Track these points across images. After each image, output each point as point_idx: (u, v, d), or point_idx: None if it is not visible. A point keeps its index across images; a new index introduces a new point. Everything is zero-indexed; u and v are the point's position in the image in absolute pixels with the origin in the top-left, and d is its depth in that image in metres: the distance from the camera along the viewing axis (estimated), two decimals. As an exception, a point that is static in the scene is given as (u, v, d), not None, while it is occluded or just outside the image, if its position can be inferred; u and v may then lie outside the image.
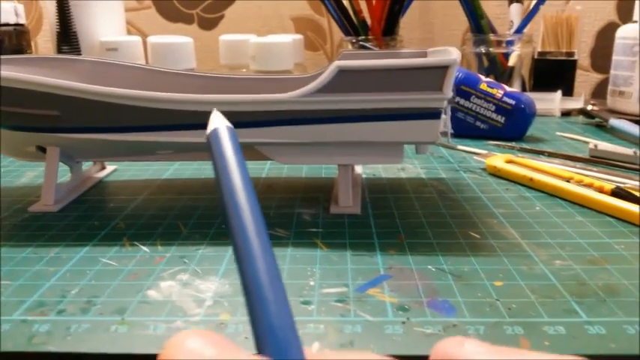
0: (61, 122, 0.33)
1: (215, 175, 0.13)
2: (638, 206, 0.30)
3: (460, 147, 0.46)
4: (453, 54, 0.31)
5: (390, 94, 0.29)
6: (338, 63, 0.29)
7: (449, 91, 0.29)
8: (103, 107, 0.31)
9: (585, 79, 0.79)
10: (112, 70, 0.41)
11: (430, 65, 0.29)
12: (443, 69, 0.29)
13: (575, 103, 0.59)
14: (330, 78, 0.29)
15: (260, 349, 0.10)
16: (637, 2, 0.60)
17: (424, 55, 0.38)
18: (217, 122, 0.14)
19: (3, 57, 0.38)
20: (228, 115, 0.31)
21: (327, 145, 0.32)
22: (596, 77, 0.79)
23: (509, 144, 0.47)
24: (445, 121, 0.33)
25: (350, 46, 0.68)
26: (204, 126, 0.32)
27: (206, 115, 0.31)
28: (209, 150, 0.13)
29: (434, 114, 0.30)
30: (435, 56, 0.36)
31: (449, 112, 0.33)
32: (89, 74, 0.41)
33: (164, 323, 0.22)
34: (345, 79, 0.29)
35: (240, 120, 0.31)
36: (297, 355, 0.10)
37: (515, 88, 0.63)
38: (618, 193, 0.32)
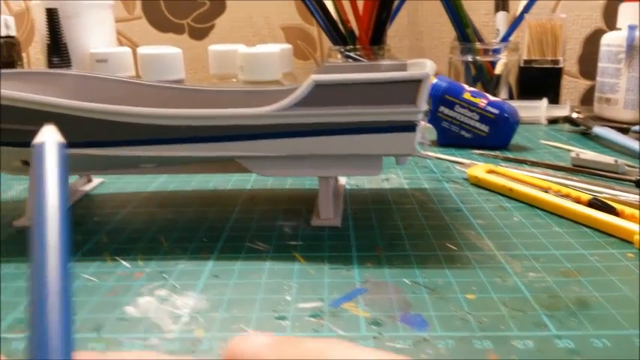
0: (43, 138, 0.33)
1: (33, 189, 0.13)
2: (613, 216, 0.31)
3: (440, 156, 0.47)
4: (427, 67, 0.31)
5: (365, 107, 0.30)
6: (314, 77, 0.30)
7: (423, 104, 0.30)
8: (87, 122, 0.32)
9: (574, 86, 0.80)
10: (98, 83, 0.41)
11: (404, 79, 0.29)
12: (416, 82, 0.29)
13: (561, 111, 0.60)
14: (306, 92, 0.30)
15: (29, 356, 0.11)
16: (620, 9, 0.61)
17: (404, 67, 0.39)
18: (46, 135, 0.13)
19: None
20: (207, 129, 0.31)
21: (307, 157, 0.32)
22: (585, 84, 0.79)
23: (494, 153, 0.48)
24: (422, 132, 0.33)
25: (339, 56, 0.68)
26: (186, 140, 0.32)
27: (187, 129, 0.32)
28: (32, 163, 0.13)
29: (409, 127, 0.30)
30: (414, 69, 0.37)
31: (425, 123, 0.33)
32: (75, 88, 0.41)
33: (140, 340, 0.22)
34: (321, 93, 0.30)
35: (219, 134, 0.31)
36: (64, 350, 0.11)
37: (502, 96, 0.64)
38: (595, 203, 0.32)
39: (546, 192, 0.35)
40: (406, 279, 0.26)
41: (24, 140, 0.35)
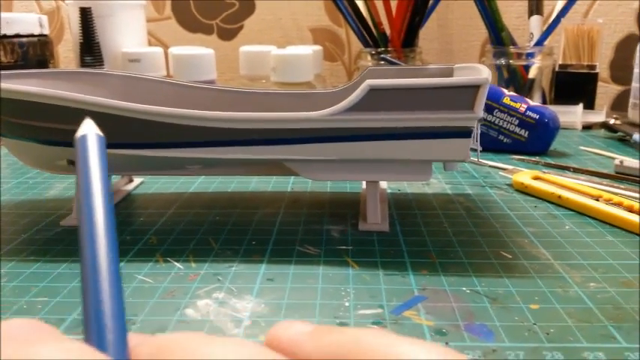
0: (94, 138, 0.33)
1: (77, 181, 0.13)
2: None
3: (488, 163, 0.46)
4: (484, 72, 0.31)
5: (421, 112, 0.30)
6: (369, 82, 0.29)
7: (480, 111, 0.30)
8: (134, 123, 0.32)
9: (605, 91, 0.79)
10: (140, 84, 0.42)
11: (462, 84, 0.29)
12: (474, 88, 0.29)
13: (597, 117, 0.59)
14: (361, 97, 0.30)
15: (85, 337, 0.11)
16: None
17: (450, 71, 0.38)
18: (87, 129, 0.14)
19: (33, 71, 0.39)
20: (259, 131, 0.31)
21: (357, 162, 0.32)
22: (616, 89, 0.78)
23: (533, 158, 0.47)
24: (475, 138, 0.33)
25: (369, 58, 0.68)
26: (233, 142, 0.32)
27: (236, 131, 0.32)
28: (75, 156, 0.13)
29: (464, 133, 0.30)
30: (463, 73, 0.36)
31: (479, 130, 0.33)
32: (117, 88, 0.41)
33: (204, 344, 0.22)
34: (375, 98, 0.30)
35: (271, 137, 0.31)
36: (119, 343, 0.11)
37: (535, 101, 0.63)
38: (649, 212, 0.32)
39: (597, 200, 0.34)
40: (465, 287, 0.26)
41: (69, 140, 0.36)
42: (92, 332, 0.11)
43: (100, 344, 0.11)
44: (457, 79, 0.29)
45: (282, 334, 0.12)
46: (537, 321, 0.23)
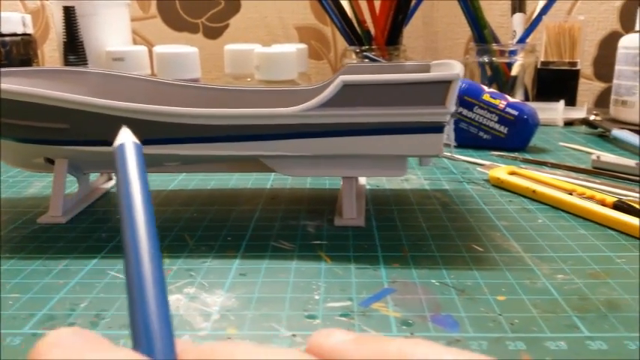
0: (69, 135, 0.33)
1: (117, 188, 0.13)
2: (639, 219, 0.30)
3: (462, 158, 0.47)
4: (456, 68, 0.31)
5: (393, 108, 0.30)
6: (343, 78, 0.30)
7: (452, 106, 0.30)
8: (112, 120, 0.32)
9: (588, 88, 0.79)
10: (120, 82, 0.42)
11: (433, 80, 0.29)
12: (446, 84, 0.29)
13: (578, 113, 0.59)
14: (334, 92, 0.30)
15: (134, 345, 0.11)
16: (639, 12, 0.60)
17: (427, 68, 0.39)
18: (125, 138, 0.14)
19: (12, 69, 0.39)
20: (234, 128, 0.31)
21: (332, 157, 0.32)
22: (599, 86, 0.79)
23: (512, 154, 0.48)
24: (448, 134, 0.33)
25: (354, 56, 0.68)
26: (212, 139, 0.32)
27: (213, 128, 0.32)
28: (114, 165, 0.14)
29: (437, 128, 0.30)
30: (438, 70, 0.37)
31: (452, 125, 0.33)
32: (97, 86, 0.41)
33: (172, 337, 0.22)
34: (349, 94, 0.30)
35: (246, 133, 0.31)
36: (167, 350, 0.11)
37: (517, 98, 0.64)
38: (620, 206, 0.32)
39: (570, 194, 0.34)
40: (434, 280, 0.26)
41: (50, 138, 0.36)
42: (141, 340, 0.11)
43: (149, 351, 0.11)
44: (428, 74, 0.29)
45: (323, 341, 0.12)
46: (503, 312, 0.23)
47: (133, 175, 0.13)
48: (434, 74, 0.29)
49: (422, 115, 0.30)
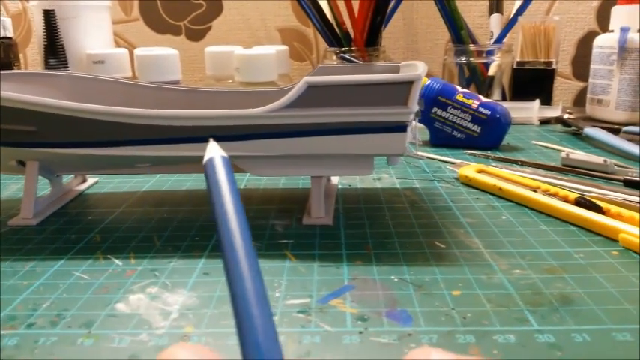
0: (38, 137, 0.33)
1: (210, 201, 0.14)
2: (598, 215, 0.31)
3: (425, 155, 0.47)
4: (419, 69, 0.32)
5: (357, 108, 0.30)
6: (307, 79, 0.30)
7: (414, 106, 0.30)
8: (81, 123, 0.32)
9: (567, 87, 0.80)
10: (93, 84, 0.42)
11: (395, 80, 0.30)
12: (408, 84, 0.30)
13: (553, 112, 0.60)
14: (299, 93, 0.30)
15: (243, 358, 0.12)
16: (613, 12, 0.61)
17: (397, 69, 0.39)
18: (213, 152, 0.15)
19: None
20: (202, 129, 0.32)
21: (300, 157, 0.33)
22: (578, 85, 0.80)
23: (485, 153, 0.48)
24: (413, 132, 0.34)
25: (334, 57, 0.69)
26: (180, 140, 0.33)
27: (181, 129, 0.32)
28: (206, 177, 0.15)
29: (400, 127, 0.31)
30: (407, 70, 0.37)
31: (416, 124, 0.34)
32: (70, 89, 0.42)
33: (129, 336, 0.22)
34: (313, 95, 0.30)
35: (214, 134, 0.32)
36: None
37: (495, 98, 0.64)
38: (582, 202, 0.33)
39: (535, 191, 0.35)
40: (394, 276, 0.27)
41: (19, 140, 0.36)
42: (248, 353, 0.12)
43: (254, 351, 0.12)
44: (390, 75, 0.30)
45: None
46: (456, 306, 0.24)
47: (224, 187, 0.14)
48: (394, 75, 0.30)
49: (385, 115, 0.30)
